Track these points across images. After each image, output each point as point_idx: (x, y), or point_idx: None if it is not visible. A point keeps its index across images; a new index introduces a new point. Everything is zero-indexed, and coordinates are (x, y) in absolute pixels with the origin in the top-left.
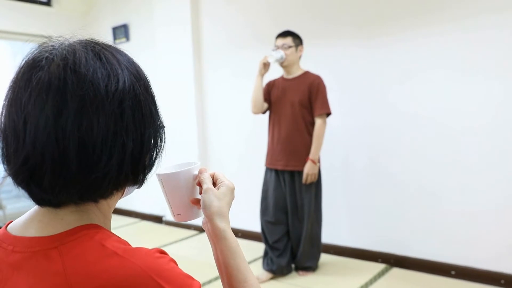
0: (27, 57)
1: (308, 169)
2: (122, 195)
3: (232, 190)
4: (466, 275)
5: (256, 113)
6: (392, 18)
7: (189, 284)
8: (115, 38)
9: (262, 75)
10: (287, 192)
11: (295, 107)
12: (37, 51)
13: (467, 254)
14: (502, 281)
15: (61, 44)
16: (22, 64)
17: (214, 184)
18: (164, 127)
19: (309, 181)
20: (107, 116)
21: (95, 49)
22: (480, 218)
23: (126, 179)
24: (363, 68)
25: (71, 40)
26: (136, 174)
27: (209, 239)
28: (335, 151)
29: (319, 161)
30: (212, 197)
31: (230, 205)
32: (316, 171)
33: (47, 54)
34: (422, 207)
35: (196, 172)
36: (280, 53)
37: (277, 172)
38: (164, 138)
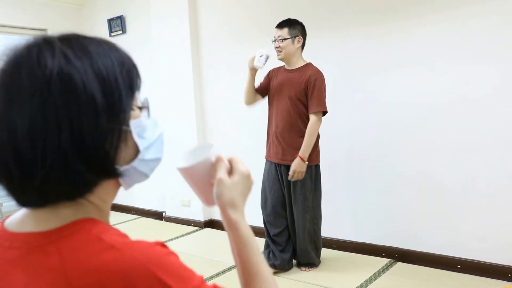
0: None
1: (295, 166)
2: (114, 187)
3: (246, 177)
4: (472, 269)
5: (248, 105)
6: (396, 7)
7: (190, 277)
8: (111, 30)
9: (252, 74)
10: (285, 186)
11: (292, 101)
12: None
13: (473, 247)
14: (510, 275)
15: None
16: None
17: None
18: (135, 107)
19: (295, 178)
20: (31, 109)
21: (35, 41)
22: (486, 210)
23: (79, 174)
24: (366, 59)
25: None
26: (93, 165)
27: (225, 228)
28: (338, 145)
29: (318, 158)
30: (223, 187)
31: (245, 194)
32: (304, 169)
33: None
34: (426, 200)
35: (213, 159)
36: (261, 61)
37: (275, 165)
38: (127, 118)
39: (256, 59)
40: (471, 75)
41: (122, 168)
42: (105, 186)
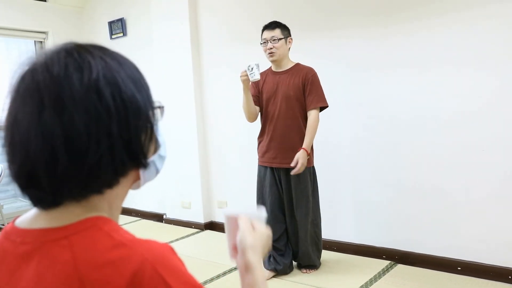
0: (16, 75)
1: (299, 156)
2: (133, 183)
3: (268, 236)
4: (472, 271)
5: (253, 121)
6: (396, 9)
7: (194, 285)
8: (111, 33)
9: (247, 89)
10: (283, 189)
11: (290, 101)
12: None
13: (474, 249)
14: (510, 277)
15: (41, 53)
16: (13, 81)
17: None
18: (156, 106)
19: (300, 169)
20: (85, 105)
21: (67, 47)
22: (487, 212)
23: (123, 163)
24: (367, 60)
25: (50, 48)
26: (133, 155)
27: (239, 273)
28: (338, 148)
29: (312, 157)
30: (248, 233)
31: (264, 247)
32: (306, 161)
33: (28, 67)
34: (427, 202)
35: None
36: (255, 72)
37: (272, 169)
38: (155, 116)
39: (249, 74)
40: (472, 76)
41: (147, 161)
42: (120, 187)
